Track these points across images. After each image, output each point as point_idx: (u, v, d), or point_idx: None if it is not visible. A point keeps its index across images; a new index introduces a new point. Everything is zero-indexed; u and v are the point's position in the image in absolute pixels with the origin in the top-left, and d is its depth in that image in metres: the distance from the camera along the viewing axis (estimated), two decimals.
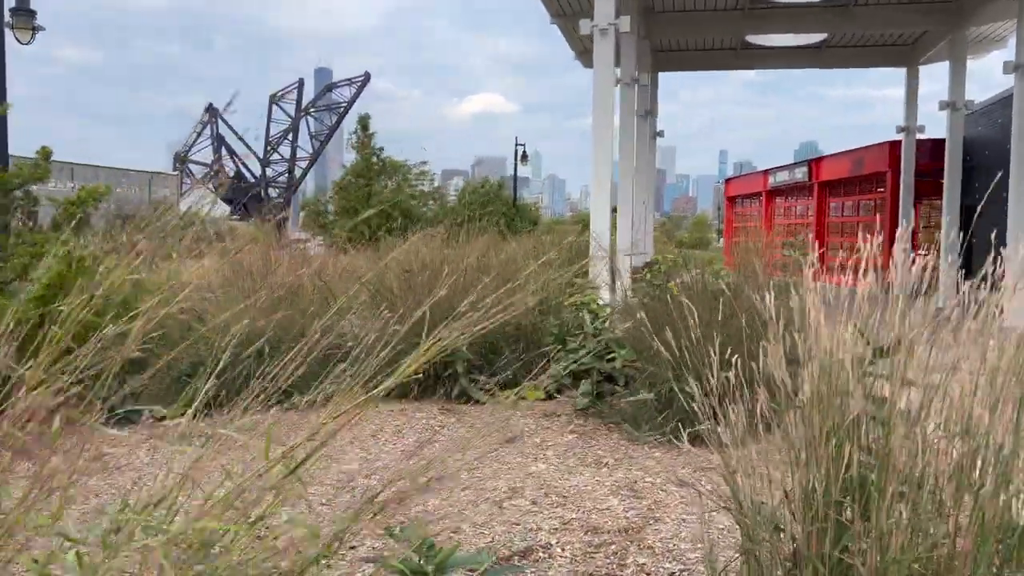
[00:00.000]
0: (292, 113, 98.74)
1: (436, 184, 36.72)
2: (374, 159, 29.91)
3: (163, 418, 2.35)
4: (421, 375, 6.13)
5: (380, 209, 25.61)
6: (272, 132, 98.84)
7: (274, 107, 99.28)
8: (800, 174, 24.61)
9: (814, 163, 24.29)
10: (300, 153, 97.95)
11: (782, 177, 25.91)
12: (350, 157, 32.96)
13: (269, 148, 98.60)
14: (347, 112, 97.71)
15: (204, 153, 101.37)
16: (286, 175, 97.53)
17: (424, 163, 35.57)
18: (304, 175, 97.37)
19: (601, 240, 9.24)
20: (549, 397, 5.99)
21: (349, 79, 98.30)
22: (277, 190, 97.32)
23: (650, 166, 17.93)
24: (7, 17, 10.99)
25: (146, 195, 70.99)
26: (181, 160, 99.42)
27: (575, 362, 5.53)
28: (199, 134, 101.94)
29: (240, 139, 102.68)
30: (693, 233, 67.15)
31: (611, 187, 10.50)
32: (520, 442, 4.87)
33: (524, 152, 31.29)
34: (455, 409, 5.92)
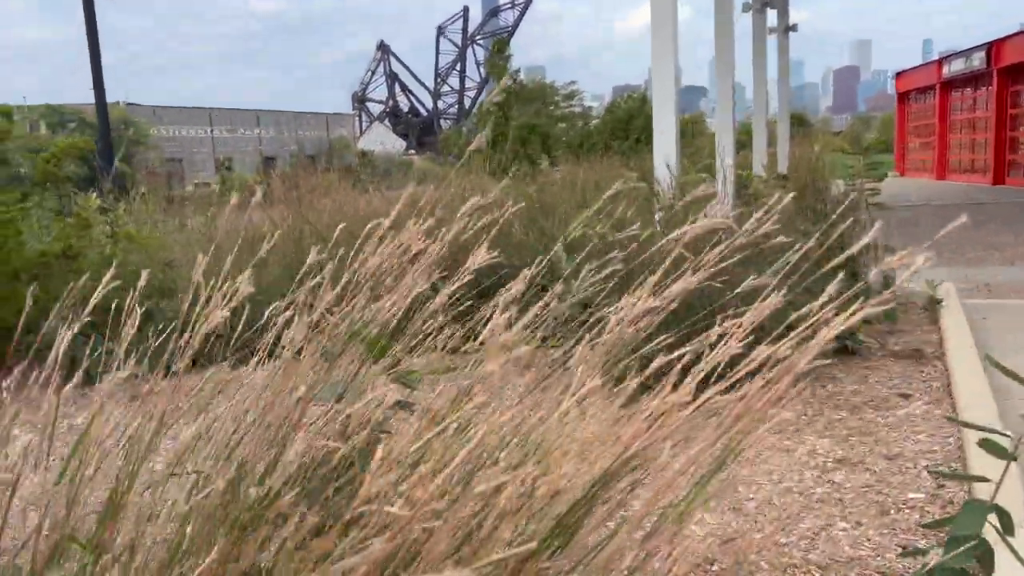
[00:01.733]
0: (459, 43, 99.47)
1: (588, 105, 35.67)
2: (511, 84, 29.36)
3: None
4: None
5: (516, 136, 25.20)
6: (440, 64, 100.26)
7: (441, 38, 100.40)
8: (978, 61, 21.58)
9: (996, 45, 21.13)
10: (468, 83, 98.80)
11: (958, 65, 22.87)
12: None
13: (439, 80, 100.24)
14: (512, 36, 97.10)
15: (379, 91, 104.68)
16: (456, 106, 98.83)
17: (573, 83, 34.61)
18: (473, 105, 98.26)
19: (667, 167, 8.40)
20: None
21: (512, 1, 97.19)
22: (448, 122, 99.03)
23: (782, 71, 16.33)
24: None
25: (325, 136, 74.50)
26: (359, 100, 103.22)
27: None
28: (373, 72, 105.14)
29: (412, 73, 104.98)
30: (881, 135, 61.65)
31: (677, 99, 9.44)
32: None
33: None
34: None
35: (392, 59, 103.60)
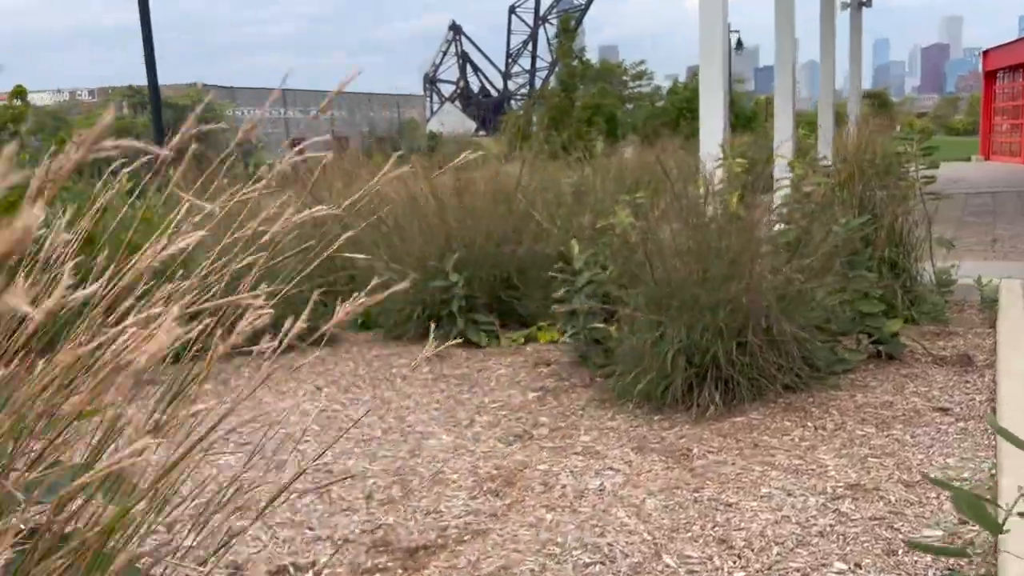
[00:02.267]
0: (530, 22, 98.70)
1: (657, 85, 34.88)
2: (576, 64, 28.84)
3: None
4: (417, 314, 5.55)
5: (579, 117, 24.75)
6: (512, 44, 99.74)
7: (513, 17, 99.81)
8: None
9: None
10: (540, 63, 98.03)
11: None
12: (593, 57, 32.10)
13: (510, 60, 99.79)
14: (584, 14, 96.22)
15: (450, 72, 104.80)
16: (527, 86, 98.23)
17: (641, 62, 33.84)
18: (544, 85, 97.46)
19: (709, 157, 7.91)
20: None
21: None
22: (519, 102, 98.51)
23: (854, 49, 15.49)
24: None
25: (396, 117, 74.99)
26: (430, 81, 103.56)
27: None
28: (444, 53, 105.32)
29: (483, 54, 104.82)
30: (969, 116, 58.81)
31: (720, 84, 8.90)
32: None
33: (739, 40, 28.55)
34: (450, 354, 5.36)
35: (463, 40, 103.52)
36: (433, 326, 5.51)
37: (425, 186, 6.00)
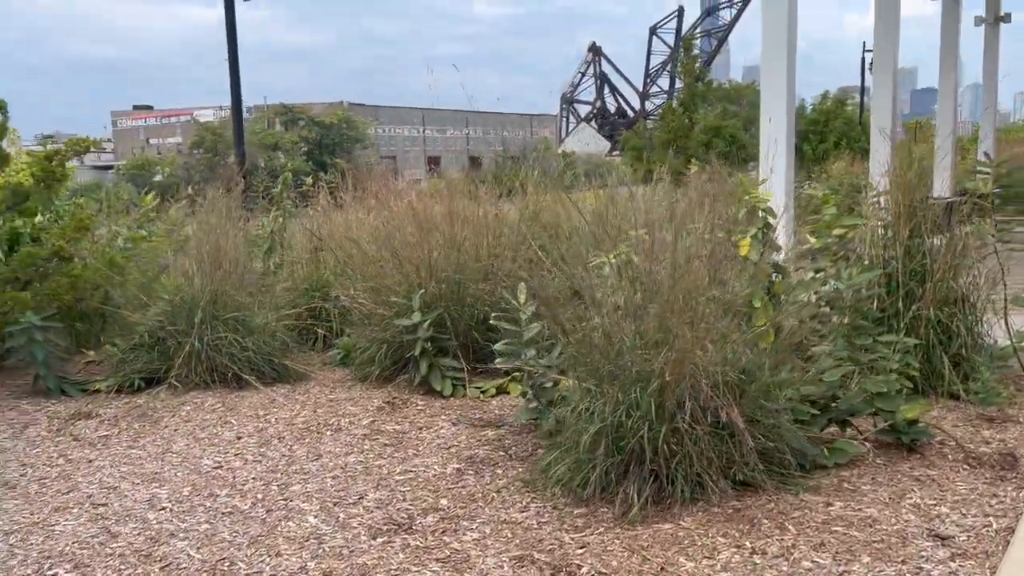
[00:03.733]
0: (671, 43, 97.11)
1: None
2: (699, 84, 27.66)
3: None
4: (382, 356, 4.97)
5: (698, 139, 23.68)
6: (651, 64, 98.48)
7: (653, 38, 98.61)
8: None
9: None
10: (679, 83, 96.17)
11: None
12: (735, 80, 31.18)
13: (648, 81, 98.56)
14: (727, 35, 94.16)
15: (587, 92, 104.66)
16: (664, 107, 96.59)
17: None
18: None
19: (773, 193, 6.89)
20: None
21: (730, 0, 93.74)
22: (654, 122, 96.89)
23: (988, 67, 13.87)
24: None
25: (529, 136, 75.37)
26: (567, 101, 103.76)
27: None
28: (583, 74, 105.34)
29: (621, 75, 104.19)
30: None
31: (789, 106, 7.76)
32: None
33: (872, 62, 26.45)
34: (405, 402, 4.75)
35: (603, 61, 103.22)
36: (418, 366, 4.98)
37: (407, 212, 5.43)
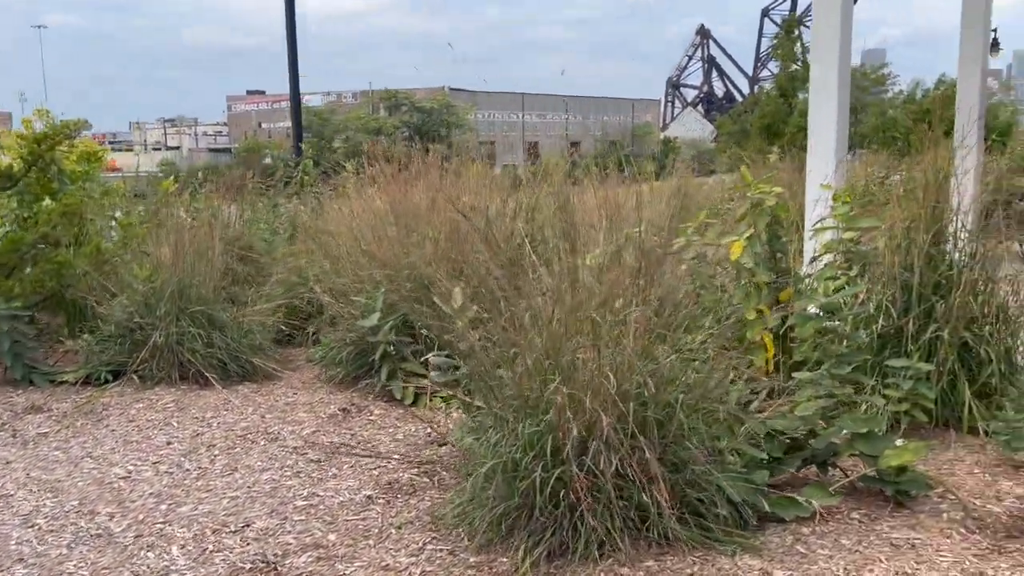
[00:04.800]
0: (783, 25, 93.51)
1: (899, 90, 31.18)
2: (795, 67, 26.19)
3: None
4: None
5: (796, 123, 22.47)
6: (763, 47, 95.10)
7: (765, 20, 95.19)
8: None
9: None
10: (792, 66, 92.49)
11: None
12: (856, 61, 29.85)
13: (759, 65, 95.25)
14: None
15: (695, 76, 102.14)
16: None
17: (883, 66, 30.51)
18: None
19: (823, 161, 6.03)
20: None
21: None
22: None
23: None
24: None
25: (630, 121, 74.05)
26: (673, 85, 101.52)
27: None
28: (690, 57, 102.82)
29: (730, 58, 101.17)
30: None
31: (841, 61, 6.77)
32: None
33: (995, 39, 24.35)
34: (361, 410, 4.37)
35: (711, 44, 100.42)
36: (379, 371, 4.62)
37: (383, 203, 5.04)
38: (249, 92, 77.54)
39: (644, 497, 2.61)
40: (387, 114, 59.87)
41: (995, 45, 24.79)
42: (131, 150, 75.40)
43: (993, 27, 25.53)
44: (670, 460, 2.68)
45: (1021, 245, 3.84)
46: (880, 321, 3.71)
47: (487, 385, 2.91)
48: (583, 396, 2.55)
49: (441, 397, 4.49)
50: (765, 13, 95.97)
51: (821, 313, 3.61)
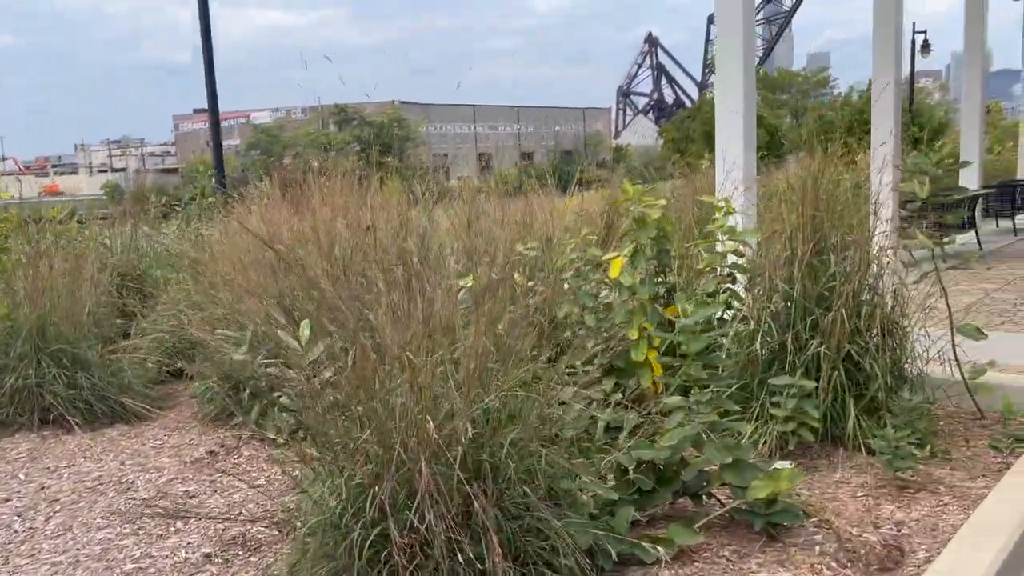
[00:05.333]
0: None
1: (839, 93, 31.58)
2: None
3: None
4: None
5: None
6: (710, 53, 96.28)
7: (712, 27, 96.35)
8: None
9: None
10: None
11: None
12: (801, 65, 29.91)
13: (707, 71, 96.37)
14: (789, 21, 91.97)
15: (644, 84, 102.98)
16: None
17: (823, 70, 30.83)
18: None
19: (731, 176, 5.80)
20: None
21: None
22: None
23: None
24: None
25: (582, 130, 74.26)
26: (623, 93, 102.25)
27: None
28: (640, 65, 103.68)
29: (679, 65, 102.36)
30: None
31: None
32: None
33: (925, 41, 24.70)
34: (230, 452, 4.08)
35: (659, 51, 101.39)
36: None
37: (263, 225, 4.75)
38: (196, 111, 76.34)
39: (478, 552, 2.36)
40: (337, 129, 59.23)
41: (926, 47, 25.21)
42: (76, 173, 73.77)
43: (922, 29, 25.99)
44: (509, 508, 2.44)
45: (909, 251, 3.67)
46: (760, 337, 3.52)
47: (319, 431, 2.65)
48: (396, 444, 2.30)
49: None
50: (711, 20, 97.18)
51: (696, 331, 3.42)
